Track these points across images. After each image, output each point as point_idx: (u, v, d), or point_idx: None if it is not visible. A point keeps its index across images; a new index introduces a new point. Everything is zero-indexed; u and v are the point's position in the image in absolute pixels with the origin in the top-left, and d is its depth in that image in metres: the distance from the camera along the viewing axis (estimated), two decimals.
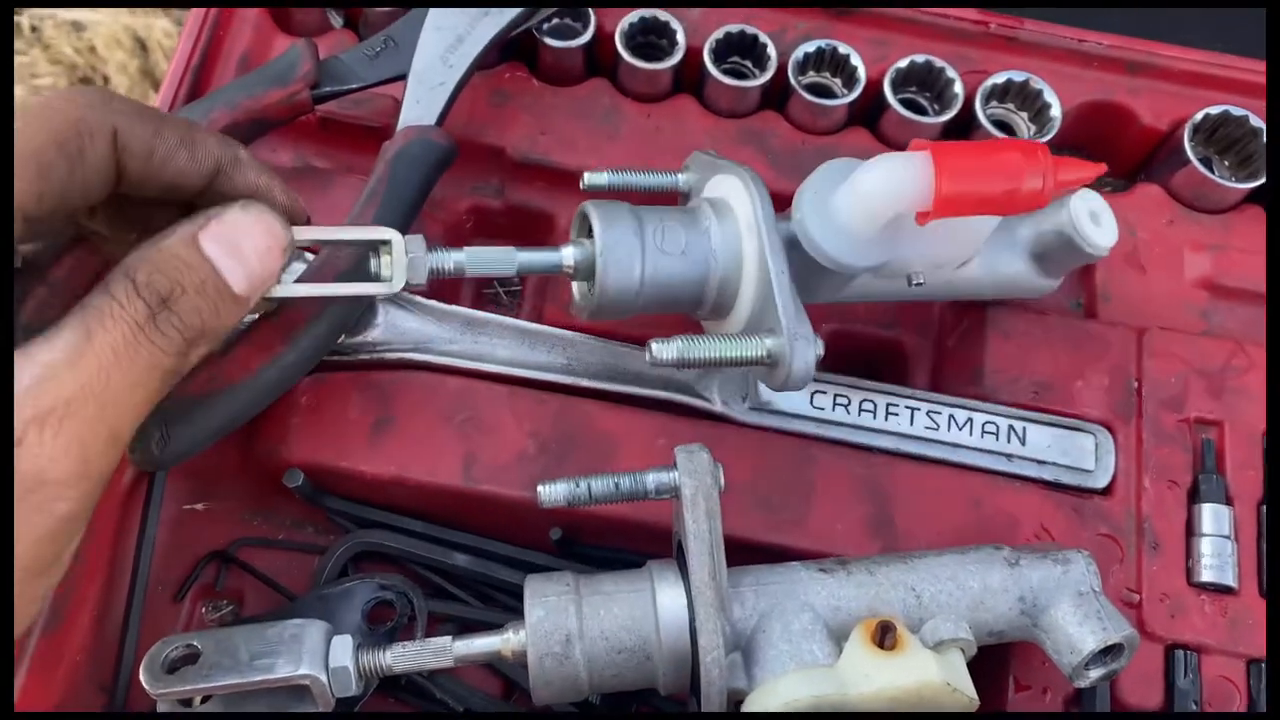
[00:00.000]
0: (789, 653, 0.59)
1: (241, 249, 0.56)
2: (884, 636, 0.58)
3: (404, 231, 0.73)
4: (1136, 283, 0.84)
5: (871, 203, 0.63)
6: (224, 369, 0.68)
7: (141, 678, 0.62)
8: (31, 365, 0.49)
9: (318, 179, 0.81)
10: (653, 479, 0.61)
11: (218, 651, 0.62)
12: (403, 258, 0.63)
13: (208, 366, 0.68)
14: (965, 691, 0.59)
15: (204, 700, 0.64)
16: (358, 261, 0.68)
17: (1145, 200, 0.87)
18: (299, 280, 0.68)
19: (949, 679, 0.59)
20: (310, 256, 0.75)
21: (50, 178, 0.52)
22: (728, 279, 0.68)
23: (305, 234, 0.61)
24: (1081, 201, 0.73)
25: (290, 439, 0.74)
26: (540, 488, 0.62)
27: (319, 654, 0.62)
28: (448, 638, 0.64)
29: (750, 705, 0.59)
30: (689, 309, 0.71)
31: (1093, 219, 0.73)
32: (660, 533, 0.70)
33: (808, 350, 0.63)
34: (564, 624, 0.61)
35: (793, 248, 0.66)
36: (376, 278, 0.65)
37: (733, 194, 0.69)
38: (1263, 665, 0.72)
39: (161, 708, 0.64)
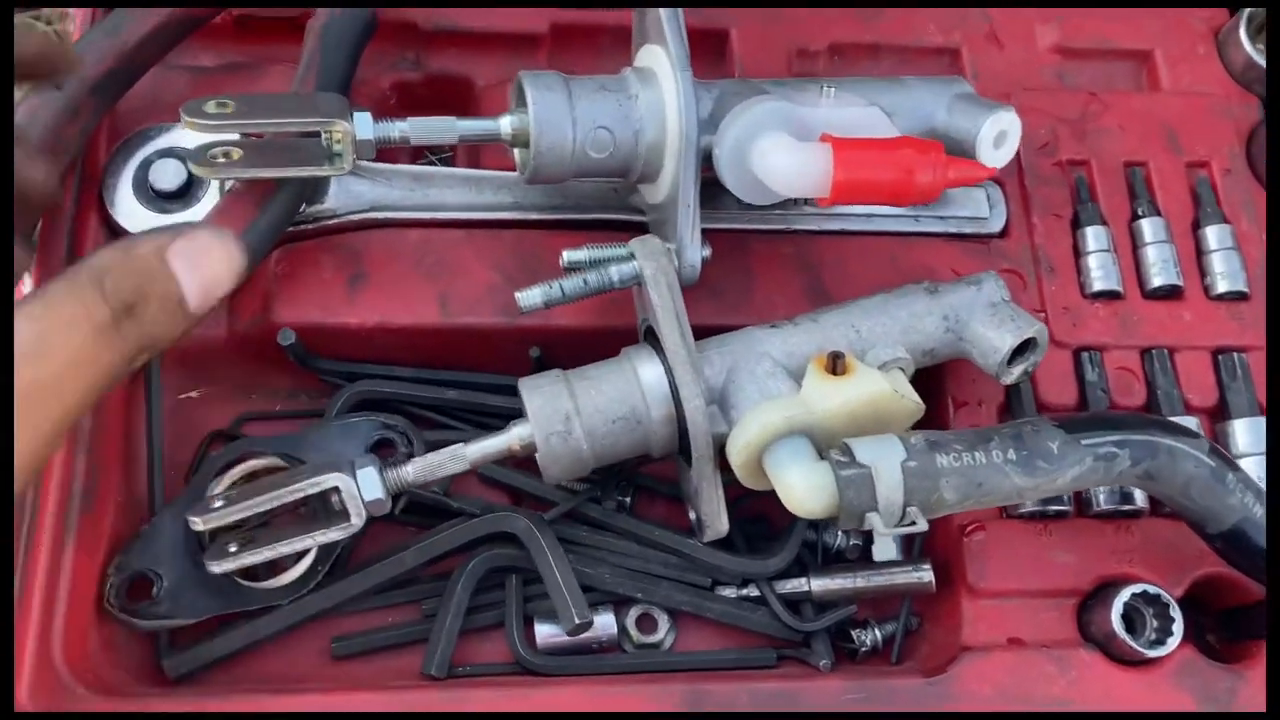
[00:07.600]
0: (757, 393, 0.68)
1: (202, 268, 0.57)
2: (835, 364, 0.67)
3: (345, 92, 0.79)
4: (998, 57, 0.94)
5: (778, 179, 0.71)
6: None
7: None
8: None
9: (249, 72, 0.85)
10: (616, 270, 0.69)
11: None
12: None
13: None
14: (911, 398, 0.68)
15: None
16: (306, 135, 0.73)
17: None
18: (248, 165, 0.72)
19: (896, 388, 0.69)
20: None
21: None
22: (654, 146, 0.74)
23: None
24: (992, 127, 0.77)
25: (274, 305, 0.79)
26: (518, 294, 0.70)
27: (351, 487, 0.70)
28: (459, 444, 0.71)
29: (733, 441, 0.67)
30: (620, 174, 0.77)
31: (996, 141, 0.78)
32: (629, 337, 0.77)
33: (695, 255, 0.73)
34: (561, 406, 0.68)
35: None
36: (328, 154, 0.71)
37: (659, 69, 0.74)
38: (1153, 353, 0.84)
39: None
